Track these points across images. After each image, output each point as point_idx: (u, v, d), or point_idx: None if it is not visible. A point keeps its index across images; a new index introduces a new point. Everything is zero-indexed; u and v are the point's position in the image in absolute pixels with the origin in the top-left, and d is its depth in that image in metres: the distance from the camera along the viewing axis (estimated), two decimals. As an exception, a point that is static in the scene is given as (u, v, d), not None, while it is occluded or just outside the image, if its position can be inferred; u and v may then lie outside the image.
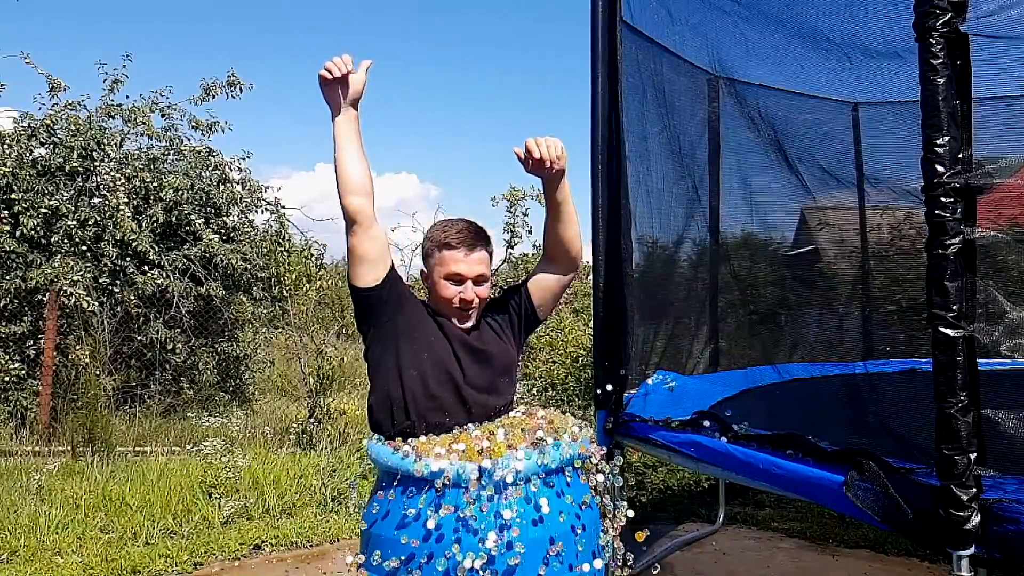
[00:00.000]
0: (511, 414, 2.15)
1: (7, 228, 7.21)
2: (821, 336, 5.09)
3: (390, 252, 2.15)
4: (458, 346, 2.15)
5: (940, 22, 1.86)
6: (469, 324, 2.19)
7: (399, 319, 2.11)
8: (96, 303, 7.16)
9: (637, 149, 3.65)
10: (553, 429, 2.00)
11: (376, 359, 2.14)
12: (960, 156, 1.87)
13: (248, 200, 8.73)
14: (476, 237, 2.17)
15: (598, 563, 1.97)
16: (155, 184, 7.91)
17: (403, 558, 1.83)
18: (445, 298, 2.15)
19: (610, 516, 2.05)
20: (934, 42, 1.86)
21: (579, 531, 1.92)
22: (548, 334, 8.34)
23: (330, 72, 2.04)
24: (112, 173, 7.71)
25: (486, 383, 2.15)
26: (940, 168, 1.84)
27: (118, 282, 7.53)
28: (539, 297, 2.31)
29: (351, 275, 2.11)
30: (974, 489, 1.81)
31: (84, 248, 7.42)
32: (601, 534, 2.03)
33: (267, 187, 8.87)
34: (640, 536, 2.03)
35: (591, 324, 5.05)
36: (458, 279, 2.13)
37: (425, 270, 2.23)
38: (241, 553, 4.48)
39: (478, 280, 2.15)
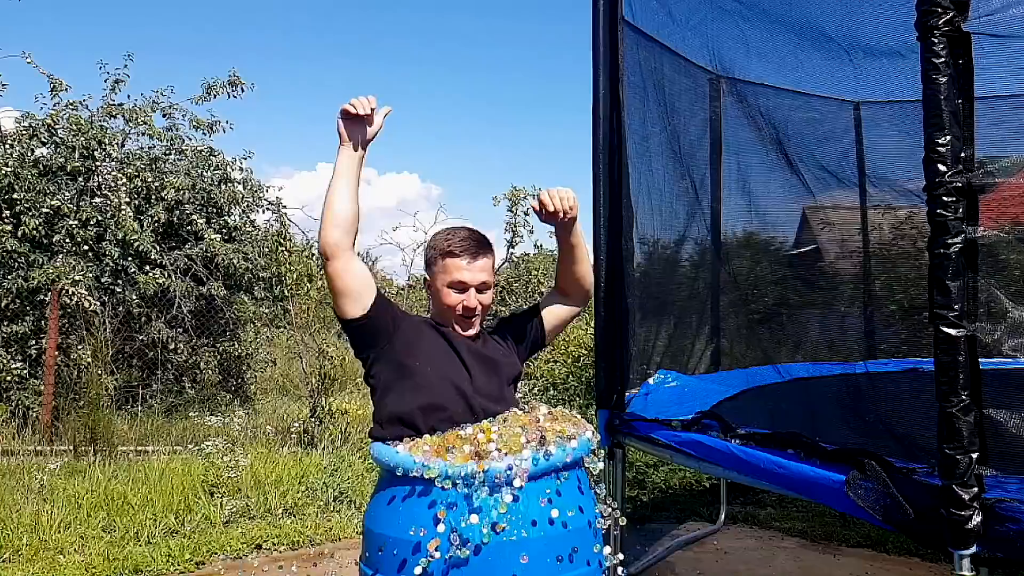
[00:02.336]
0: (515, 411, 2.13)
1: (9, 228, 7.22)
2: (822, 336, 5.09)
3: (373, 281, 2.13)
4: (465, 353, 2.15)
5: (942, 21, 1.86)
6: (473, 332, 2.20)
7: (396, 341, 2.11)
8: (98, 303, 7.17)
9: (638, 148, 3.65)
10: (555, 430, 1.99)
11: (378, 382, 2.13)
12: (962, 155, 1.87)
13: (250, 200, 8.74)
14: (479, 245, 2.18)
15: (597, 563, 1.97)
16: (157, 184, 7.93)
17: (403, 557, 1.83)
18: (448, 305, 2.15)
19: (608, 517, 2.05)
20: (936, 41, 1.86)
21: (579, 531, 1.91)
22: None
23: (354, 108, 2.04)
24: (114, 173, 7.73)
25: (495, 391, 2.14)
26: (942, 167, 1.84)
27: (120, 282, 7.54)
28: (550, 326, 2.39)
29: (336, 308, 2.11)
30: (976, 488, 1.80)
31: (86, 248, 7.43)
32: (600, 534, 2.03)
33: (268, 187, 8.90)
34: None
35: (592, 323, 5.05)
36: (461, 287, 2.14)
37: (428, 278, 2.24)
38: (243, 552, 4.49)
39: (481, 288, 2.16)
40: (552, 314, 2.38)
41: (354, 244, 2.08)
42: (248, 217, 8.81)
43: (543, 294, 9.43)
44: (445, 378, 2.08)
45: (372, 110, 2.07)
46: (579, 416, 2.12)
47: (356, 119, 2.07)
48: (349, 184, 2.06)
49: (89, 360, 6.92)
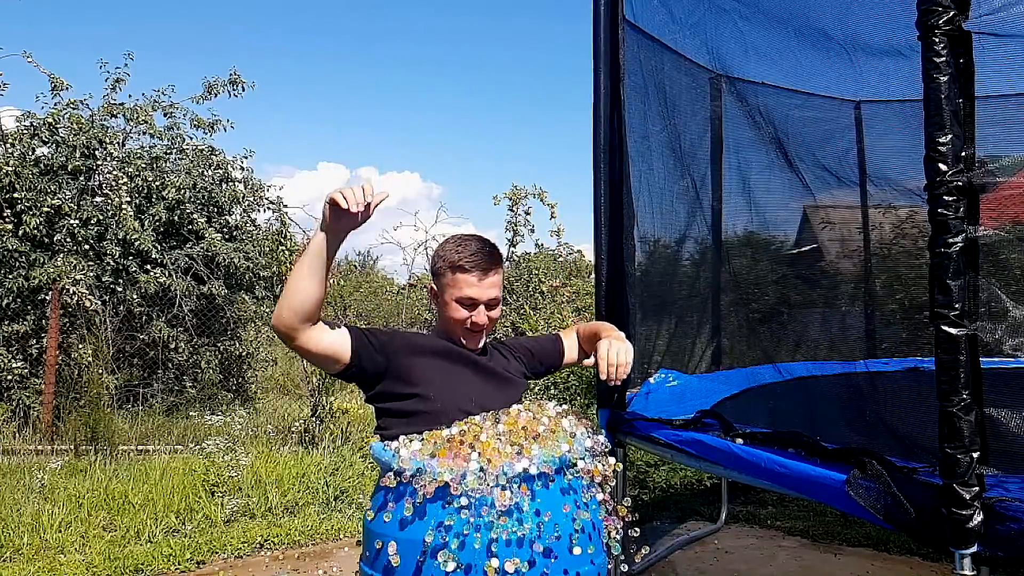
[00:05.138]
0: (515, 407, 2.11)
1: (10, 227, 7.22)
2: (823, 335, 5.09)
3: (343, 334, 2.00)
4: (471, 368, 2.12)
5: (943, 20, 1.86)
6: (480, 345, 2.16)
7: (390, 374, 2.05)
8: (99, 302, 7.17)
9: (639, 147, 3.65)
10: (552, 432, 1.99)
11: (380, 408, 2.09)
12: (963, 155, 1.87)
13: (250, 199, 8.75)
14: (490, 260, 2.09)
15: (599, 561, 1.97)
16: (157, 183, 7.93)
17: (403, 557, 1.83)
18: (456, 319, 2.09)
19: (611, 511, 2.04)
20: (937, 40, 1.86)
21: (576, 533, 1.91)
22: (550, 332, 8.34)
23: (345, 203, 1.80)
24: (114, 172, 7.73)
25: (499, 407, 2.08)
26: (943, 167, 1.84)
27: (120, 281, 7.55)
28: (566, 361, 2.42)
29: (319, 367, 2.06)
30: (976, 488, 1.80)
31: (87, 247, 7.44)
32: (603, 532, 2.02)
33: (269, 186, 8.92)
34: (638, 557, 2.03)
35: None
36: (471, 303, 2.08)
37: (435, 288, 2.16)
38: (243, 552, 4.49)
39: (490, 304, 2.10)
40: (571, 355, 2.40)
41: (313, 324, 1.94)
42: (249, 216, 8.82)
43: (543, 294, 9.45)
44: (448, 402, 2.03)
45: (367, 205, 1.83)
46: (586, 420, 2.10)
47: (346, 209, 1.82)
48: (318, 270, 1.89)
49: (90, 359, 6.92)
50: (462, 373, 2.10)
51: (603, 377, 2.04)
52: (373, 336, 2.07)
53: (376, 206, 1.88)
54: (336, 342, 1.99)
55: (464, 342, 2.13)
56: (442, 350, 2.12)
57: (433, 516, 1.82)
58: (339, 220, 1.86)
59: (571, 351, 2.42)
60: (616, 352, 2.04)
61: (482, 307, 2.09)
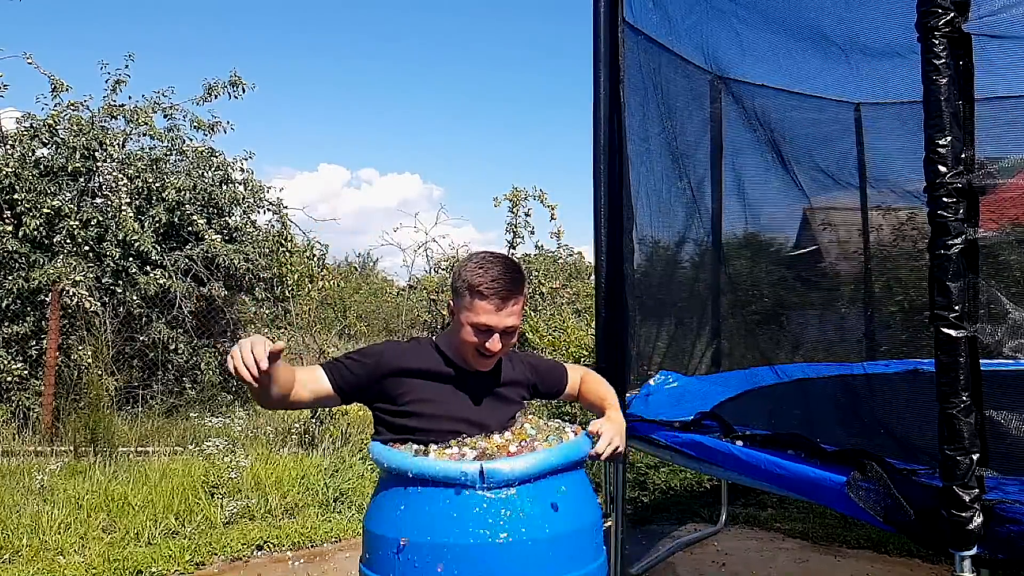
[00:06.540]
0: (507, 435, 2.07)
1: (10, 228, 7.22)
2: (823, 337, 5.09)
3: (318, 377, 2.02)
4: (470, 387, 2.10)
5: (942, 22, 1.86)
6: (487, 369, 2.11)
7: (380, 398, 2.06)
8: (98, 303, 7.17)
9: (639, 149, 3.65)
10: (551, 433, 1.99)
11: (377, 416, 2.10)
12: (962, 156, 1.87)
13: (251, 200, 8.75)
14: (511, 288, 2.02)
15: (599, 564, 1.97)
16: (157, 184, 7.93)
17: (403, 558, 1.83)
18: (468, 342, 2.04)
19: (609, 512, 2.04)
20: (936, 42, 1.86)
21: (580, 532, 1.91)
22: (551, 334, 8.35)
23: (236, 371, 1.74)
24: (114, 173, 7.73)
25: (496, 426, 2.09)
26: (942, 168, 1.84)
27: (120, 282, 7.54)
28: (566, 395, 2.42)
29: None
30: (976, 490, 1.80)
31: (86, 248, 7.44)
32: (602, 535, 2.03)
33: (269, 187, 8.91)
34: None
35: (593, 324, 5.05)
36: (486, 330, 2.02)
37: (452, 304, 2.11)
38: (243, 553, 4.49)
39: (506, 331, 2.04)
40: (571, 392, 2.41)
41: (292, 397, 1.97)
42: (249, 218, 8.81)
43: (544, 295, 9.44)
44: (438, 424, 2.02)
45: (260, 370, 1.74)
46: (567, 424, 2.11)
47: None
48: (265, 393, 1.88)
49: (90, 361, 6.92)
50: (454, 395, 2.08)
51: (595, 452, 1.99)
52: (356, 365, 2.06)
53: (275, 357, 1.79)
54: (319, 389, 2.03)
55: (472, 363, 2.09)
56: (434, 371, 2.09)
57: (433, 517, 1.82)
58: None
59: (573, 389, 2.41)
60: (611, 446, 2.00)
61: (497, 335, 2.02)
